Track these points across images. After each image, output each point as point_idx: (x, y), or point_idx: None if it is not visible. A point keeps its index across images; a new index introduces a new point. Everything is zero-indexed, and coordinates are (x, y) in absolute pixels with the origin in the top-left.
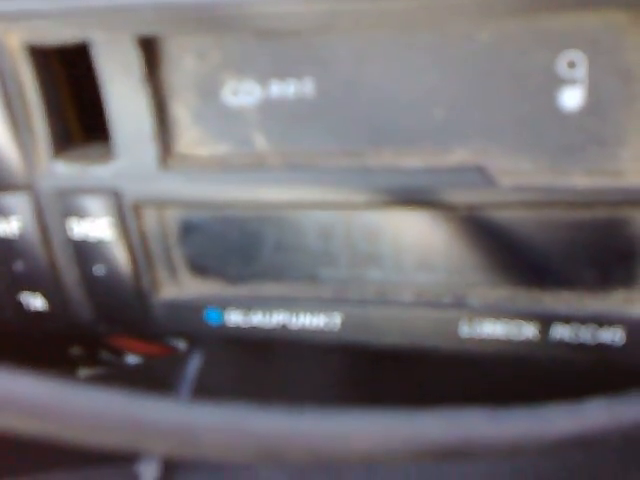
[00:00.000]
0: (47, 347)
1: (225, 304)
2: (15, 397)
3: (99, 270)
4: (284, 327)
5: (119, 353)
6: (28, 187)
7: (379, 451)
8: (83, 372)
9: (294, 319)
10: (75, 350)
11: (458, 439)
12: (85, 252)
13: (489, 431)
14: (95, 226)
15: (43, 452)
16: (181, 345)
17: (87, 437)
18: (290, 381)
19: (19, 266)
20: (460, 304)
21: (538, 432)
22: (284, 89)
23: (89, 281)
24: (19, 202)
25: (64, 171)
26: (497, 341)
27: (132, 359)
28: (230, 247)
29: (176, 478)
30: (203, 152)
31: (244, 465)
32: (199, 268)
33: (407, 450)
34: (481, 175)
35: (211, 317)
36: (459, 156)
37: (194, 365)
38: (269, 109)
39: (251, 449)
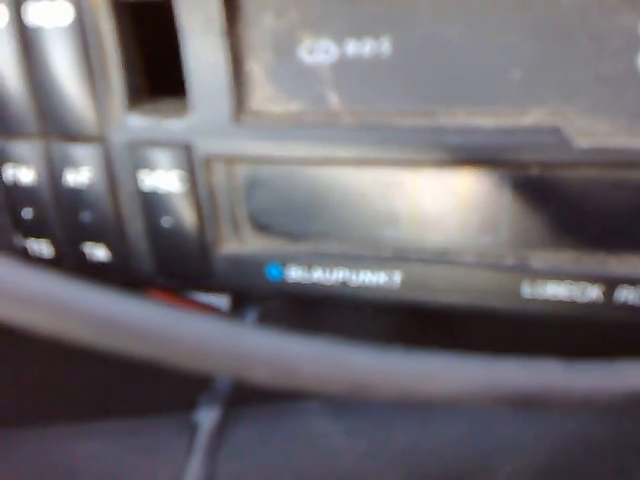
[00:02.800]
0: None
1: (286, 260)
2: (121, 319)
3: (166, 222)
4: (344, 284)
5: None
6: (100, 139)
7: (461, 394)
8: None
9: (354, 276)
10: None
11: (537, 388)
12: (154, 204)
13: (567, 382)
14: (165, 179)
15: (103, 400)
16: (223, 307)
17: (192, 363)
18: None
19: (86, 217)
20: (523, 266)
21: (613, 386)
22: (360, 48)
23: (155, 233)
24: (90, 153)
25: (138, 124)
26: (560, 303)
27: None
28: (294, 205)
29: (233, 427)
30: (276, 109)
31: (299, 415)
32: (262, 224)
33: (487, 395)
34: (557, 136)
35: (272, 273)
36: (535, 117)
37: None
38: (344, 68)
39: (345, 383)
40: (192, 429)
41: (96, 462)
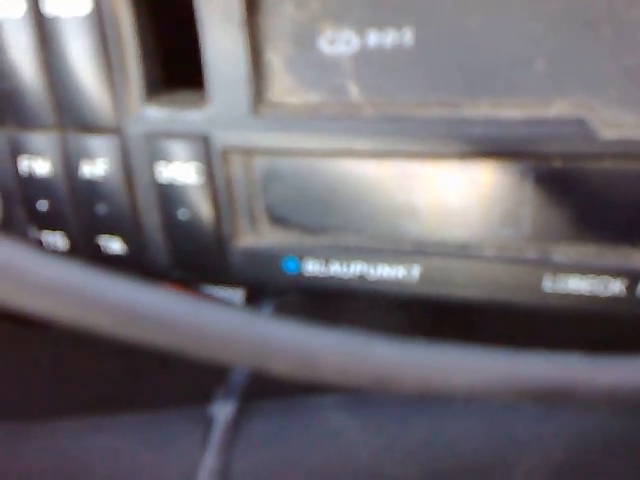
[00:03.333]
0: None
1: (303, 253)
2: (143, 309)
3: (183, 214)
4: (362, 277)
5: None
6: (117, 130)
7: (483, 387)
8: None
9: (372, 270)
10: None
11: (560, 382)
12: (170, 196)
13: (590, 376)
14: (182, 171)
15: (117, 393)
16: (237, 300)
17: (212, 353)
18: None
19: (101, 209)
20: (544, 259)
21: (636, 380)
22: (382, 39)
23: (171, 226)
24: (107, 145)
25: (155, 115)
26: (582, 297)
27: None
28: (312, 197)
29: (248, 421)
30: (295, 100)
31: (314, 410)
32: (279, 217)
33: (510, 388)
34: (581, 127)
35: (289, 266)
36: (559, 108)
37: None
38: (365, 59)
39: (366, 375)
40: (207, 423)
41: (110, 456)
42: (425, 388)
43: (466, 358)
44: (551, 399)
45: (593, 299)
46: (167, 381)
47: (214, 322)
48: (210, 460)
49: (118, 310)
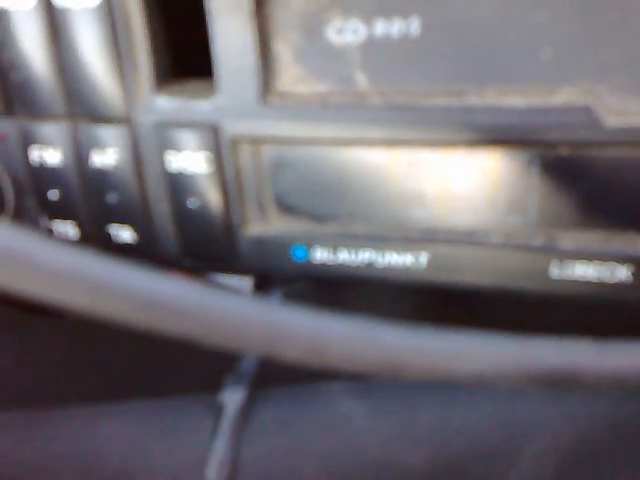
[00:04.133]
0: None
1: (311, 241)
2: (156, 297)
3: (192, 203)
4: (370, 265)
5: None
6: (127, 120)
7: (491, 373)
8: None
9: (380, 257)
10: None
11: (567, 367)
12: (180, 185)
13: (597, 361)
14: (192, 160)
15: (128, 381)
16: (246, 288)
17: (224, 340)
18: None
19: (112, 198)
20: (551, 246)
21: None
22: (389, 28)
23: (181, 214)
24: (117, 134)
25: (165, 105)
26: (588, 283)
27: None
28: (320, 186)
29: (258, 408)
30: (303, 90)
31: (323, 397)
32: (288, 205)
33: (518, 374)
34: (587, 115)
35: (297, 254)
36: (565, 96)
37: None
38: (373, 48)
39: (376, 361)
40: (217, 410)
41: (121, 442)
42: (434, 374)
43: (474, 344)
44: (559, 384)
45: (599, 285)
46: (178, 369)
47: (225, 309)
48: (220, 447)
49: (130, 298)
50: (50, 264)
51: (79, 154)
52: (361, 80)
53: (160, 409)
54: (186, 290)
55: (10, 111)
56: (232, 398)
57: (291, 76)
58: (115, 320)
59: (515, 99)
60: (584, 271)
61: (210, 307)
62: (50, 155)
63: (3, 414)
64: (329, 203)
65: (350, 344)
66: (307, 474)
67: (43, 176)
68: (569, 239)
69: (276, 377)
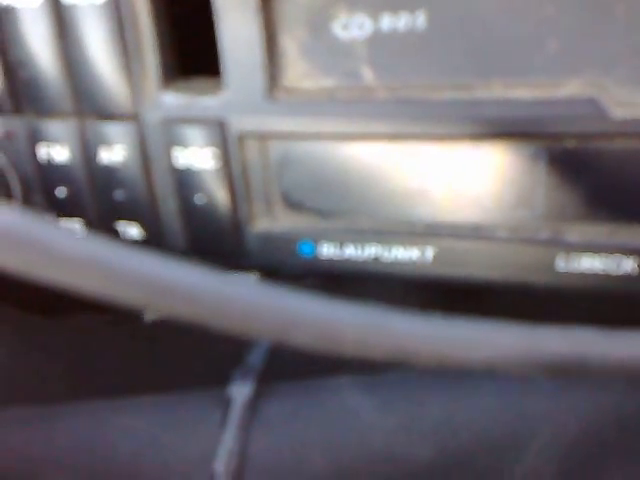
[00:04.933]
0: None
1: (318, 237)
2: (170, 282)
3: (199, 199)
4: (376, 260)
5: None
6: (135, 117)
7: (499, 360)
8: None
9: (386, 252)
10: None
11: (574, 355)
12: (187, 181)
13: (603, 349)
14: (199, 156)
15: (137, 375)
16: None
17: (238, 325)
18: None
19: (119, 195)
20: (557, 239)
21: None
22: (395, 22)
23: (188, 210)
24: (124, 131)
25: (172, 102)
26: (595, 276)
27: None
28: (326, 181)
29: (266, 402)
30: (309, 85)
31: (330, 391)
32: (294, 201)
33: (526, 361)
34: (593, 106)
35: (304, 249)
36: (571, 88)
37: None
38: (379, 43)
39: (386, 347)
40: (226, 403)
41: (132, 435)
42: (443, 360)
43: (483, 332)
44: (566, 371)
45: (606, 278)
46: (187, 364)
47: (239, 294)
48: (229, 439)
49: (144, 282)
50: (65, 250)
51: (87, 151)
52: (367, 75)
53: (170, 403)
54: (200, 275)
55: (18, 109)
56: (240, 392)
57: (297, 71)
58: (130, 304)
59: (521, 92)
60: (590, 263)
61: (224, 292)
62: (58, 152)
63: (14, 409)
64: (336, 199)
65: (362, 330)
66: (314, 466)
67: (51, 173)
68: (575, 232)
69: (283, 372)
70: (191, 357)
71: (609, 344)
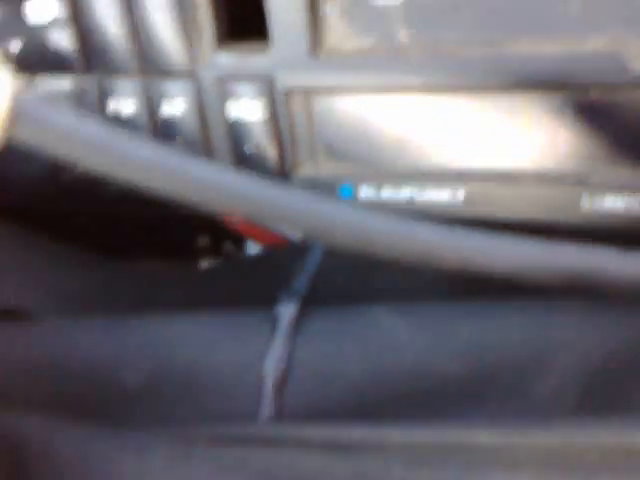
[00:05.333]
0: (176, 237)
1: (357, 180)
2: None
3: (249, 149)
4: (411, 201)
5: (241, 244)
6: (192, 74)
7: (518, 268)
8: (204, 263)
9: (420, 194)
10: (202, 241)
11: (591, 268)
12: (238, 132)
13: (619, 265)
14: (249, 110)
15: (196, 294)
16: (295, 238)
17: (292, 224)
18: (402, 279)
19: (178, 144)
20: (582, 181)
21: None
22: None
23: (238, 159)
24: (183, 88)
25: (225, 60)
26: (618, 215)
27: (252, 249)
28: (364, 132)
29: (310, 320)
30: (349, 45)
31: (368, 314)
32: (335, 149)
33: (545, 272)
34: (616, 60)
35: (344, 192)
36: (595, 44)
37: (314, 259)
38: (413, 5)
39: (415, 251)
40: (273, 320)
41: (189, 342)
42: (466, 265)
43: (505, 242)
44: (582, 284)
45: (628, 217)
46: (238, 287)
47: (281, 197)
48: (277, 347)
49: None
50: (140, 155)
51: (150, 105)
52: (402, 35)
53: (224, 319)
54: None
55: (89, 68)
56: (286, 312)
57: (338, 33)
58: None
59: (547, 47)
60: (613, 203)
61: (272, 195)
62: (124, 107)
63: (88, 321)
64: (373, 147)
65: (395, 234)
66: (351, 375)
67: (118, 126)
68: (599, 174)
69: (325, 297)
70: (243, 281)
71: (624, 261)
